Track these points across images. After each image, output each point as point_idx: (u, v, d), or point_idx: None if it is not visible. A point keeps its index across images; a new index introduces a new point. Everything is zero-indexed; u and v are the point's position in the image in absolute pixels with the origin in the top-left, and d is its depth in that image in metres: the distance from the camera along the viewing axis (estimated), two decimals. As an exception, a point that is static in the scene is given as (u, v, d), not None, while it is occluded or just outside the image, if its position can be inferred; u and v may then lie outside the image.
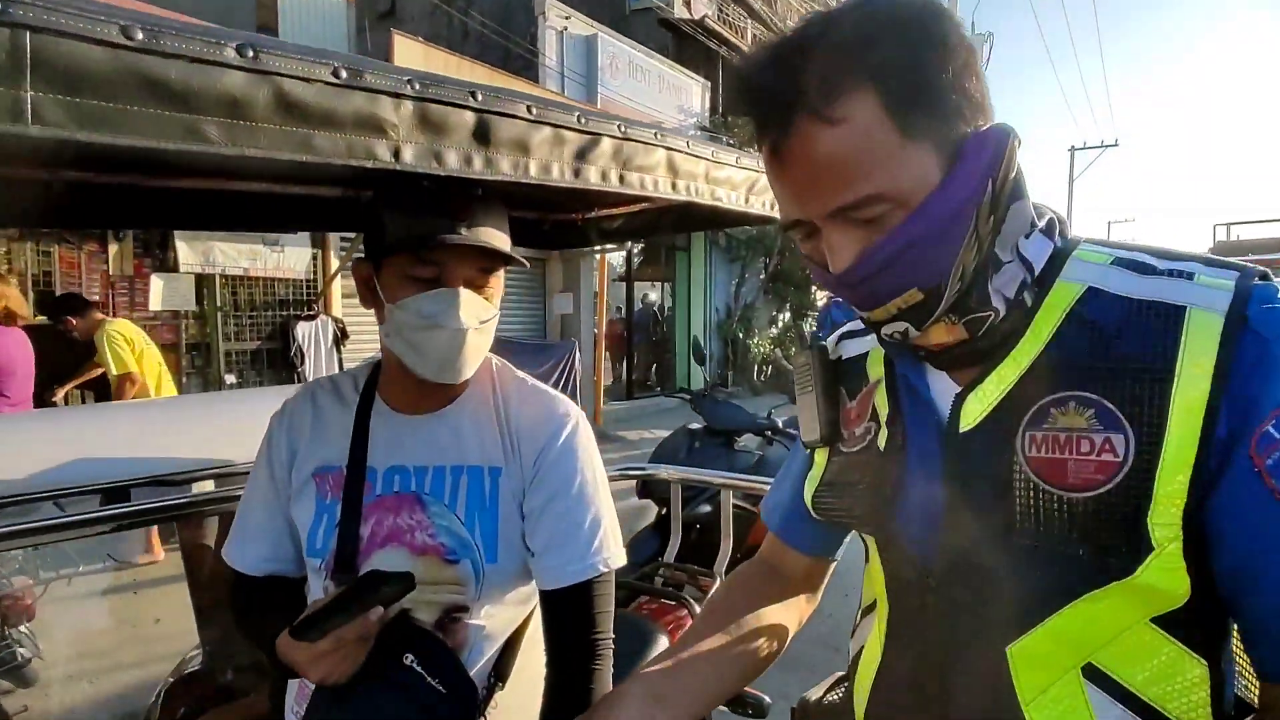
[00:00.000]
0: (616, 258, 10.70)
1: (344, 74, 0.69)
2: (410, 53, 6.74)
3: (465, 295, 0.94)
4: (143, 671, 2.96)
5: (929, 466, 0.67)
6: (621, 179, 1.03)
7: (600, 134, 0.98)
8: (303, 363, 6.12)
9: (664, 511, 3.54)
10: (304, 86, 0.67)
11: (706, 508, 3.35)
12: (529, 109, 0.88)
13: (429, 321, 0.92)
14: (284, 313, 6.35)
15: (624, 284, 11.24)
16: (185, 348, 5.80)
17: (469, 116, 0.82)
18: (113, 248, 5.13)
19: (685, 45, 12.23)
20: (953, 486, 0.65)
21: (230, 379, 5.94)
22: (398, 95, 0.74)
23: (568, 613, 0.99)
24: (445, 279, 0.93)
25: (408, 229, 0.93)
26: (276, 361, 6.30)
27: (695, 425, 3.90)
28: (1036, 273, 0.63)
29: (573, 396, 6.99)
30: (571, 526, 0.99)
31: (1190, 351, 0.54)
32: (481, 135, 0.83)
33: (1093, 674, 0.60)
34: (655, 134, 1.08)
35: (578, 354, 8.17)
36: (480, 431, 1.03)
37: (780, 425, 3.84)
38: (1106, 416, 0.57)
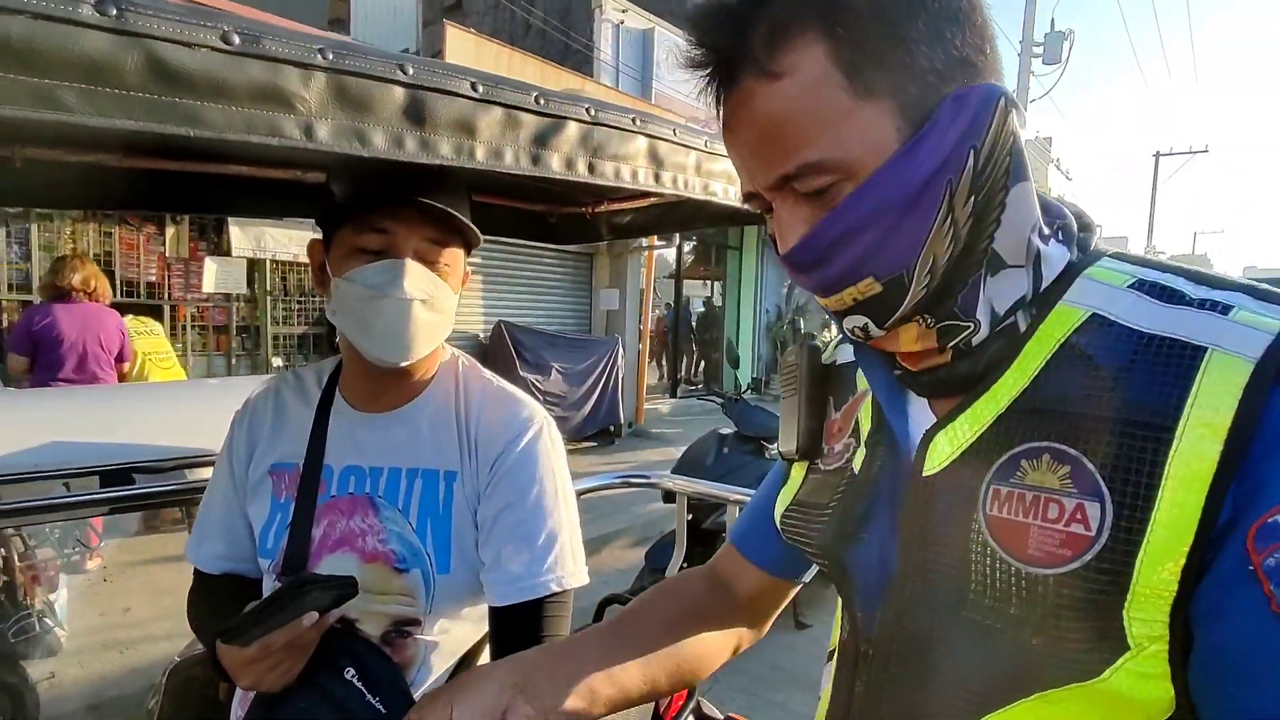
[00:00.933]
0: (669, 254, 10.60)
1: (236, 40, 0.62)
2: (464, 45, 6.77)
3: (412, 266, 0.88)
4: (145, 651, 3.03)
5: (890, 510, 0.57)
6: (591, 168, 0.94)
7: (564, 117, 0.88)
8: (348, 348, 6.23)
9: (689, 518, 3.45)
10: (186, 52, 0.59)
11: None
12: (474, 86, 0.79)
13: (374, 292, 0.87)
14: (331, 299, 6.48)
15: (673, 281, 11.13)
16: (235, 330, 5.98)
17: (398, 92, 0.73)
18: (169, 230, 5.31)
19: (746, 40, 11.98)
20: (906, 539, 0.55)
21: (277, 361, 6.10)
22: (305, 65, 0.66)
23: (516, 633, 0.91)
24: (393, 249, 0.88)
25: (352, 196, 0.89)
26: (322, 346, 6.44)
27: (726, 430, 3.79)
28: (1043, 288, 0.52)
29: (615, 394, 6.95)
30: (524, 540, 0.92)
31: (1200, 406, 0.42)
32: (414, 114, 0.75)
33: None
34: (633, 120, 0.98)
35: (621, 351, 8.12)
36: (438, 433, 0.97)
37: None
38: (1083, 478, 0.45)
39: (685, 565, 2.26)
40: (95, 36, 0.55)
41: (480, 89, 0.79)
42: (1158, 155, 26.77)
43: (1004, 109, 0.47)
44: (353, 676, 0.86)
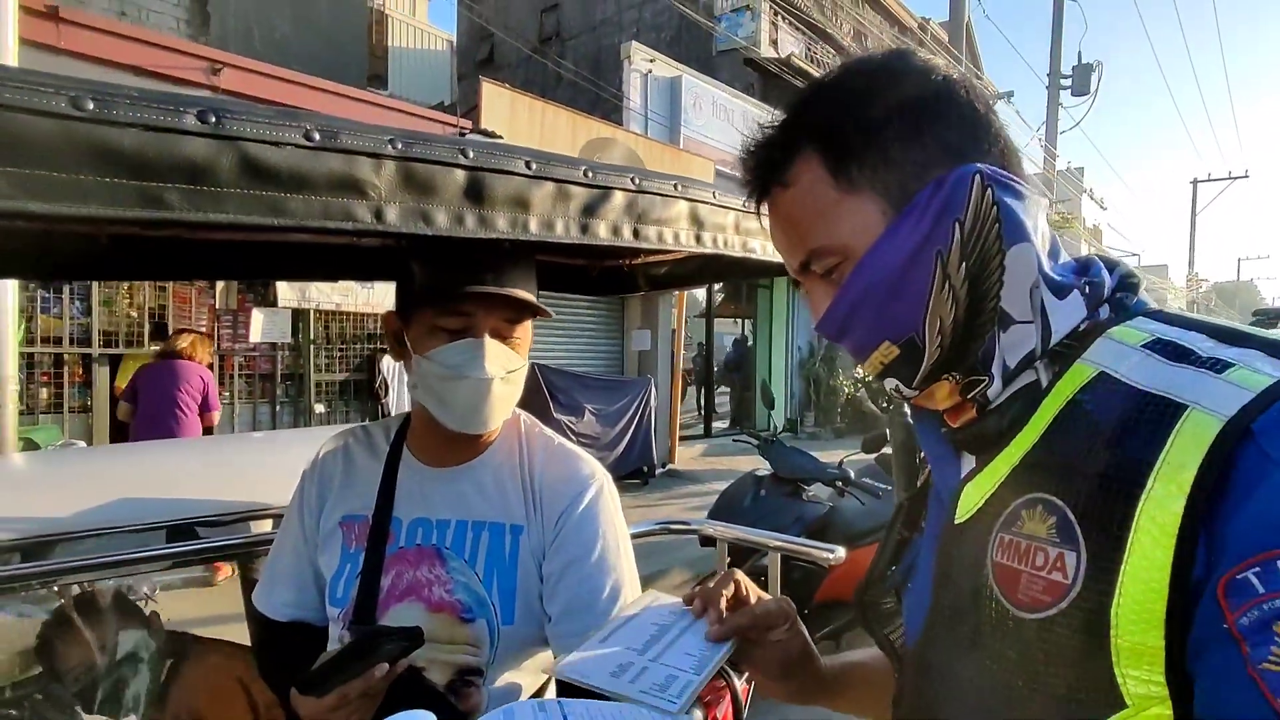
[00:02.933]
0: (700, 293, 10.66)
1: (317, 136, 0.68)
2: (498, 99, 7.01)
3: (491, 345, 0.94)
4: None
5: (929, 557, 0.62)
6: (636, 233, 0.98)
7: (611, 188, 0.93)
8: (386, 394, 6.35)
9: (728, 562, 3.41)
10: (273, 150, 0.65)
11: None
12: (528, 164, 0.84)
13: (455, 372, 0.92)
14: (371, 346, 6.64)
15: (704, 320, 11.18)
16: (280, 378, 6.14)
17: (459, 175, 0.79)
18: (220, 284, 5.53)
19: (771, 83, 12.22)
20: (938, 582, 0.59)
21: (319, 408, 6.23)
22: (377, 155, 0.72)
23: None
24: (472, 329, 0.94)
25: (435, 281, 0.94)
26: (363, 393, 6.57)
27: (762, 472, 3.76)
28: (1054, 342, 0.55)
29: (648, 434, 6.91)
30: (590, 594, 0.96)
31: (1169, 462, 0.43)
32: (474, 193, 0.80)
33: None
34: (675, 185, 1.02)
35: (654, 391, 8.14)
36: (503, 488, 1.01)
37: (852, 476, 3.64)
38: (1065, 528, 0.48)
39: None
40: (196, 142, 0.61)
41: (534, 166, 0.85)
42: (1195, 182, 26.34)
43: (981, 184, 0.53)
44: None
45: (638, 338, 9.17)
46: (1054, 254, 0.57)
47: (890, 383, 0.59)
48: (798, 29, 12.88)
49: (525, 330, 1.00)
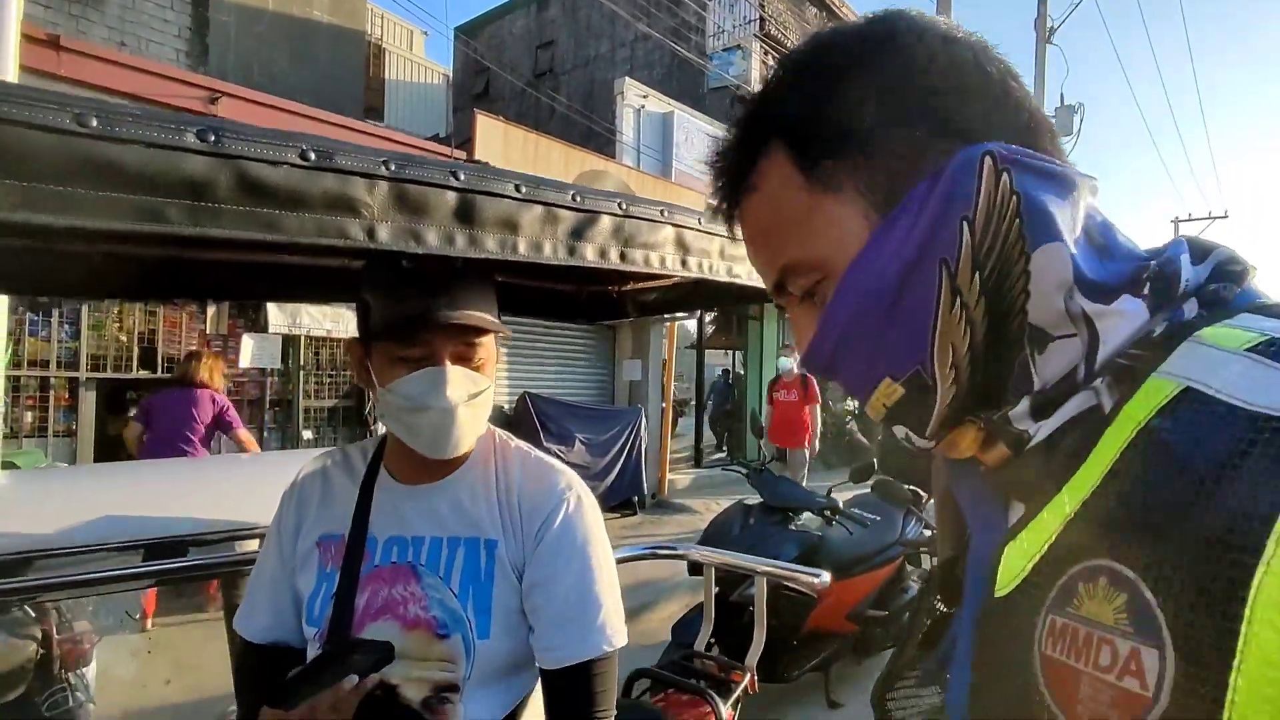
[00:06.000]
0: (690, 324, 10.72)
1: (313, 156, 0.70)
2: (493, 131, 7.12)
3: (453, 372, 0.95)
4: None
5: (965, 640, 0.47)
6: (623, 256, 1.01)
7: (598, 211, 0.96)
8: (376, 421, 6.32)
9: (716, 590, 3.39)
10: (270, 169, 0.68)
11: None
12: (518, 188, 0.87)
13: (417, 403, 0.94)
14: (361, 372, 6.61)
15: (694, 351, 11.22)
16: (269, 403, 6.10)
17: (450, 196, 0.81)
18: (210, 309, 5.52)
19: (762, 120, 12.43)
20: (977, 683, 0.45)
21: (307, 435, 6.19)
22: (371, 176, 0.74)
23: (568, 693, 0.96)
24: (433, 356, 0.95)
25: (390, 313, 0.95)
26: (351, 419, 6.54)
27: (751, 501, 3.76)
28: (1107, 353, 0.41)
29: (638, 464, 6.92)
30: (572, 606, 0.97)
31: None
32: (464, 214, 0.83)
33: None
34: (662, 211, 1.05)
35: (644, 421, 8.14)
36: (478, 503, 1.02)
37: (841, 506, 3.65)
38: (1140, 612, 0.33)
39: (713, 640, 2.23)
40: (196, 160, 0.63)
41: (523, 190, 0.87)
42: (1176, 221, 26.84)
43: (994, 168, 0.40)
44: None
45: (629, 368, 9.19)
46: (1107, 248, 0.44)
47: (899, 431, 0.47)
48: (788, 67, 13.17)
49: (489, 349, 1.00)
